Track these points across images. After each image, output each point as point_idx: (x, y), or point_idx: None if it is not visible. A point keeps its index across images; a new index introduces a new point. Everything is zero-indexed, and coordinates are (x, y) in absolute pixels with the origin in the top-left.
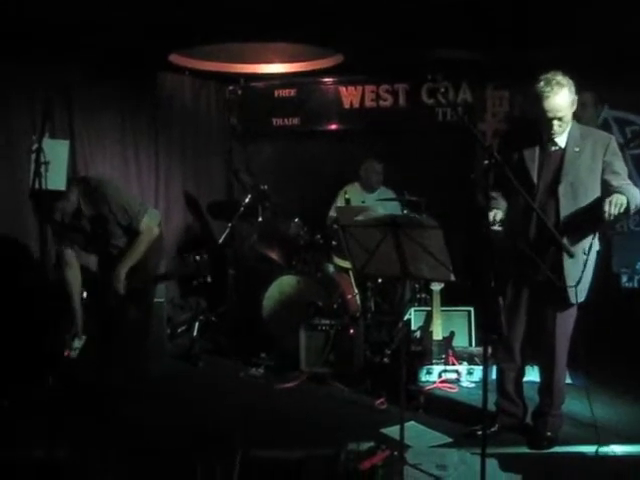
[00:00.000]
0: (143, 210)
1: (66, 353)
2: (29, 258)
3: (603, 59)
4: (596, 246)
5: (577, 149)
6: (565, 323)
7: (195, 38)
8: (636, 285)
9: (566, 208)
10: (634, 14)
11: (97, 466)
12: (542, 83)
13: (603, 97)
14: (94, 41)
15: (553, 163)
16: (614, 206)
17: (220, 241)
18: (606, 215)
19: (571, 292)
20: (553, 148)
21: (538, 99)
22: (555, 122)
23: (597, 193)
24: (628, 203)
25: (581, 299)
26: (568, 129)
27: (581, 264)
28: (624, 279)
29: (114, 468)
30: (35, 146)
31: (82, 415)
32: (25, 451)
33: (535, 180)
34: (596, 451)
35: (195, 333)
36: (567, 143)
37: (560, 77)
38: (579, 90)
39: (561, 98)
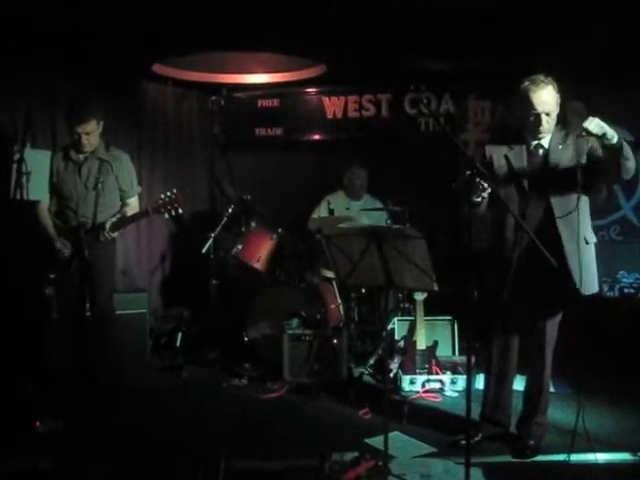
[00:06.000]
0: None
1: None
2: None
3: (584, 70)
4: (593, 237)
5: (560, 147)
6: (554, 327)
7: (178, 47)
8: (617, 294)
9: (558, 205)
10: (611, 26)
11: (80, 476)
12: (527, 82)
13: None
14: (77, 51)
15: (540, 164)
16: (594, 124)
17: (203, 251)
18: (587, 125)
19: (580, 282)
20: (541, 151)
21: (524, 96)
22: (543, 117)
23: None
24: (615, 137)
25: (594, 290)
26: (552, 131)
27: (586, 253)
28: (605, 288)
29: (97, 478)
30: (17, 156)
31: (64, 424)
32: (8, 462)
33: (526, 184)
34: (578, 459)
35: (178, 344)
36: (551, 143)
37: (544, 77)
38: (570, 98)
39: (548, 93)
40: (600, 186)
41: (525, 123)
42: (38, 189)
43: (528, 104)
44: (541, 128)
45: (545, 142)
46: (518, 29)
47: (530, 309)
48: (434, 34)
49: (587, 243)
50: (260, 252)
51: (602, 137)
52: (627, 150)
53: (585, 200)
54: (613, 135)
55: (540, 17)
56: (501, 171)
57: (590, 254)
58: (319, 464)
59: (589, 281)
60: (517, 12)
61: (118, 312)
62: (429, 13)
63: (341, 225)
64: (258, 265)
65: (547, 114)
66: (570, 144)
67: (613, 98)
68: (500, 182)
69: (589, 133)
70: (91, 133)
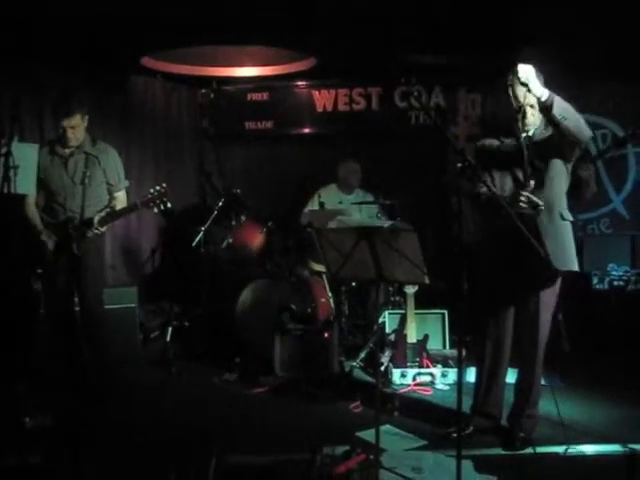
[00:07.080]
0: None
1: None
2: None
3: (572, 63)
4: (569, 216)
5: (544, 131)
6: (547, 319)
7: (168, 40)
8: (607, 287)
9: (547, 189)
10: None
11: (70, 472)
12: (512, 75)
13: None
14: (65, 44)
15: (527, 153)
16: (524, 72)
17: (193, 245)
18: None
19: (557, 261)
20: (529, 141)
21: (510, 89)
22: (528, 110)
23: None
24: (544, 96)
25: (572, 267)
26: (538, 122)
27: (562, 230)
28: (595, 281)
29: (87, 474)
30: (4, 150)
31: (54, 419)
32: None
33: (521, 174)
34: (569, 451)
35: (168, 338)
36: (535, 132)
37: None
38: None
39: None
40: (567, 153)
41: (513, 116)
42: (25, 183)
43: (513, 96)
44: (526, 120)
45: (532, 133)
46: (511, 24)
47: (519, 297)
48: (427, 28)
49: (563, 219)
50: (250, 246)
51: (526, 87)
52: (563, 110)
53: (562, 176)
54: (542, 93)
55: (533, 13)
56: (493, 164)
57: (566, 230)
58: (310, 458)
59: (565, 257)
60: (510, 7)
61: (108, 307)
62: (422, 7)
63: (331, 224)
64: (248, 259)
65: (531, 106)
66: (550, 127)
67: (599, 91)
68: (492, 175)
69: (515, 75)
70: (76, 127)
